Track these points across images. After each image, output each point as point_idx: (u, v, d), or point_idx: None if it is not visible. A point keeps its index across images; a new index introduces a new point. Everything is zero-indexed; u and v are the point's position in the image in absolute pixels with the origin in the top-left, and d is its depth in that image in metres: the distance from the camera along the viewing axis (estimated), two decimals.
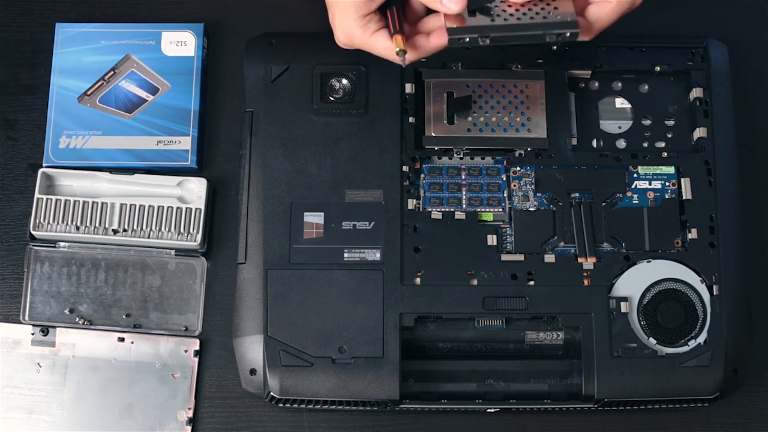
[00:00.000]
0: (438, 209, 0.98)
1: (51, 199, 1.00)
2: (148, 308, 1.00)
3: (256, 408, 0.99)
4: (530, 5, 0.89)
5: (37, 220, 0.99)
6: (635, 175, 0.99)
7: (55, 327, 0.99)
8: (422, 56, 0.92)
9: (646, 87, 1.02)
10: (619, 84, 1.02)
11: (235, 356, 0.96)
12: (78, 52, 1.04)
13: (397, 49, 0.89)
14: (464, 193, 0.99)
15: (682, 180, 0.99)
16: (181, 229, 1.00)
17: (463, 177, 0.99)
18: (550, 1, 0.91)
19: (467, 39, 0.89)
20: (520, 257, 0.96)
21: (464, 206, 0.98)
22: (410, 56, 0.91)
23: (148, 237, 0.99)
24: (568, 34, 0.89)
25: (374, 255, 0.96)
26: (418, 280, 0.95)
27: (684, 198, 0.98)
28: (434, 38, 0.91)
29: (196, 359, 0.99)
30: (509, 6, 0.89)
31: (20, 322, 0.99)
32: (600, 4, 0.92)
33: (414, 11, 0.92)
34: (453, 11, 0.88)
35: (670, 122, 1.02)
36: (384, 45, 0.91)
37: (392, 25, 0.91)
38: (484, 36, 0.89)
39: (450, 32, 0.88)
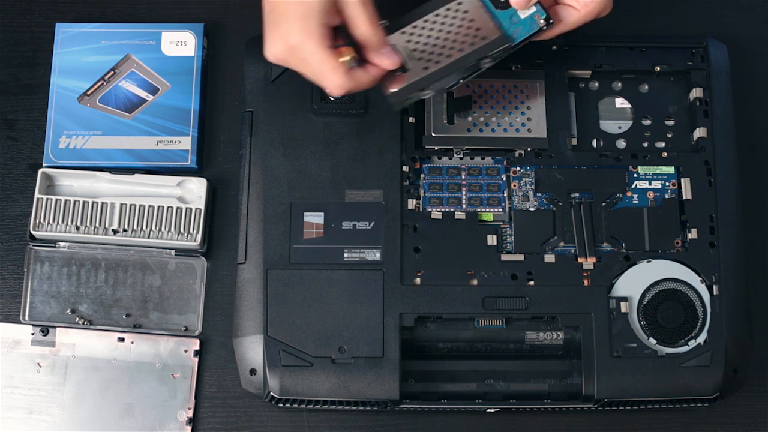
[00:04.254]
0: (438, 209, 0.98)
1: (51, 199, 1.00)
2: (148, 308, 1.00)
3: (256, 408, 0.99)
4: (455, 36, 0.91)
5: (37, 220, 0.99)
6: (635, 175, 0.99)
7: (55, 327, 0.99)
8: (355, 88, 0.91)
9: (646, 87, 1.02)
10: (619, 84, 1.02)
11: (235, 356, 0.96)
12: (78, 52, 1.04)
13: (347, 58, 0.89)
14: (464, 193, 0.99)
15: (682, 180, 0.99)
16: (181, 229, 1.00)
17: (463, 177, 0.99)
18: (470, 25, 0.92)
19: (407, 100, 0.93)
20: (520, 257, 0.96)
21: (464, 206, 0.98)
22: (349, 84, 0.90)
23: (148, 237, 0.99)
24: (500, 51, 0.92)
25: (374, 255, 0.96)
26: (418, 280, 0.95)
27: (684, 198, 0.98)
28: (371, 70, 0.91)
29: (196, 359, 0.99)
30: (433, 46, 0.91)
31: (20, 322, 0.99)
32: (567, 9, 0.93)
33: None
34: (386, 66, 0.90)
35: (670, 122, 1.02)
36: (330, 61, 0.89)
37: (340, 41, 0.90)
38: (425, 89, 0.92)
39: (391, 97, 0.92)
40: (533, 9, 0.92)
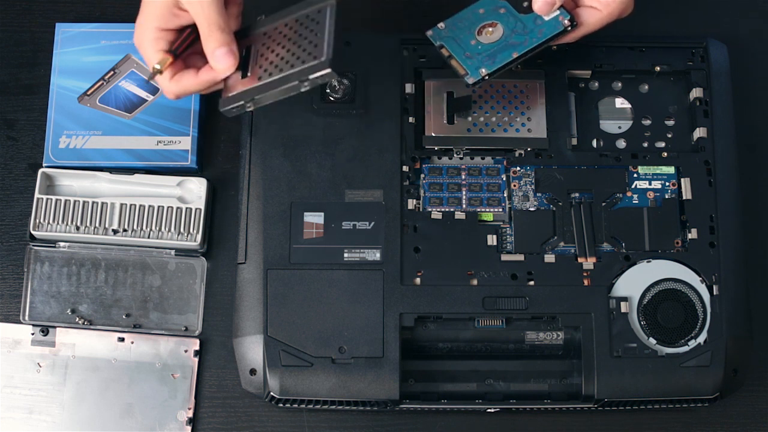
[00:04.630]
0: (438, 209, 0.98)
1: (51, 199, 1.00)
2: (148, 308, 1.00)
3: (256, 408, 0.99)
4: (294, 49, 0.89)
5: (37, 220, 0.99)
6: (635, 175, 0.99)
7: (55, 327, 0.99)
8: (183, 93, 0.92)
9: (646, 87, 1.02)
10: (619, 84, 1.02)
11: (235, 356, 0.96)
12: (78, 52, 1.04)
13: (157, 66, 0.89)
14: (464, 193, 0.99)
15: (682, 180, 0.99)
16: (181, 229, 1.00)
17: (463, 177, 0.99)
18: (312, 38, 0.89)
19: (233, 110, 0.91)
20: (520, 257, 0.96)
21: (464, 206, 0.98)
22: (174, 88, 0.91)
23: (148, 237, 0.99)
24: (320, 77, 0.88)
25: (374, 255, 0.96)
26: (418, 280, 0.95)
27: (684, 198, 0.98)
28: (202, 75, 0.91)
29: (196, 359, 0.99)
30: (276, 55, 0.90)
31: (20, 322, 0.99)
32: (589, 10, 0.93)
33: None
34: (216, 69, 0.90)
35: (670, 122, 1.02)
36: (151, 61, 0.90)
37: (176, 45, 0.90)
38: (250, 101, 0.90)
39: (220, 105, 0.90)
40: (557, 12, 0.93)
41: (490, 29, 0.95)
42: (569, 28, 0.93)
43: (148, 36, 0.90)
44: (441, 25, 0.96)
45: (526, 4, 0.94)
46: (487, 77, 0.93)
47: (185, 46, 0.91)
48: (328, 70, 0.87)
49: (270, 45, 0.91)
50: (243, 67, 0.90)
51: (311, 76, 0.87)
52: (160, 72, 0.89)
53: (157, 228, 1.00)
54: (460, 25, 0.96)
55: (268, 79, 0.89)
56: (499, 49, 0.94)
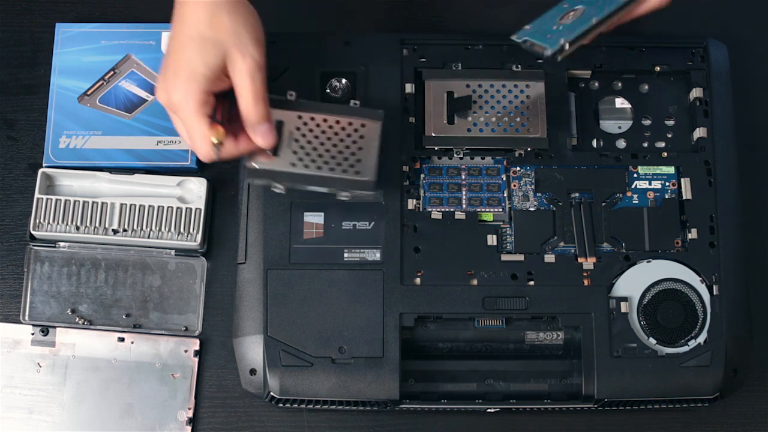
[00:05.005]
0: (438, 209, 0.98)
1: (51, 199, 1.00)
2: (148, 308, 1.00)
3: (256, 408, 0.99)
4: (335, 152, 0.92)
5: (37, 220, 0.99)
6: (635, 175, 0.99)
7: (55, 327, 0.99)
8: (224, 159, 0.92)
9: (646, 87, 1.02)
10: (619, 84, 1.02)
11: (235, 356, 0.96)
12: (78, 52, 1.04)
13: (215, 140, 0.89)
14: (464, 193, 0.99)
15: (682, 180, 0.99)
16: (181, 229, 1.00)
17: (463, 177, 0.99)
18: (355, 150, 0.92)
19: (261, 183, 0.93)
20: (520, 257, 0.96)
21: (464, 206, 0.98)
22: (214, 156, 0.90)
23: (148, 237, 0.99)
24: (363, 194, 0.92)
25: (374, 255, 0.96)
26: (418, 280, 0.95)
27: (684, 198, 0.98)
28: (241, 144, 0.91)
29: (196, 359, 0.99)
30: (313, 148, 0.92)
31: (20, 322, 0.99)
32: None
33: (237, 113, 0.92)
34: (257, 143, 0.90)
35: (670, 122, 1.02)
36: (202, 131, 0.89)
37: (219, 114, 0.90)
38: (281, 183, 0.92)
39: (248, 174, 0.92)
40: None
41: (572, 13, 0.93)
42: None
43: (195, 98, 0.88)
44: (527, 27, 0.94)
45: None
46: (567, 46, 0.90)
47: (223, 116, 0.91)
48: (372, 192, 0.92)
49: (306, 134, 0.92)
50: None
51: (354, 191, 0.92)
52: (221, 145, 0.89)
53: (157, 228, 1.00)
54: (545, 19, 0.94)
55: (304, 171, 0.91)
56: (579, 22, 0.91)
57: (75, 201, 1.00)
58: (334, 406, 0.95)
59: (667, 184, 0.99)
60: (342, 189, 0.92)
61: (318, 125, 0.93)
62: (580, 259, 0.96)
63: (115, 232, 0.99)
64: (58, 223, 0.99)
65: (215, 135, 0.88)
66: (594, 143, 1.01)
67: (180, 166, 1.01)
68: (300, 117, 0.93)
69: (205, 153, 0.89)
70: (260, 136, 0.90)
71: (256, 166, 0.92)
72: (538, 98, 1.00)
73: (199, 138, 0.88)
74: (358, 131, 0.93)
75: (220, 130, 0.89)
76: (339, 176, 0.92)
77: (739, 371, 0.95)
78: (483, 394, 0.95)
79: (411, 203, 0.97)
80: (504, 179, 0.99)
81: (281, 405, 0.95)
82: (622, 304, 0.95)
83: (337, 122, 0.93)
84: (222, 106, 0.91)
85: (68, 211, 1.00)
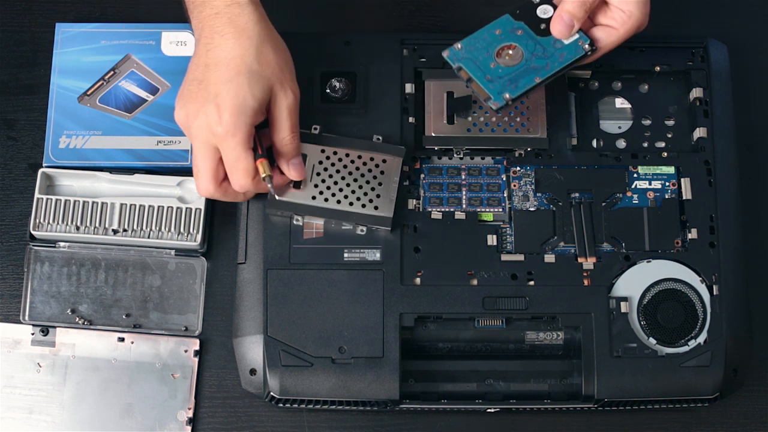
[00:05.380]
0: (438, 209, 0.98)
1: (51, 199, 1.00)
2: (148, 308, 1.00)
3: (256, 408, 0.99)
4: (355, 187, 0.94)
5: (37, 220, 0.99)
6: (635, 175, 0.99)
7: (55, 327, 0.99)
8: (255, 193, 0.94)
9: (646, 87, 1.02)
10: (619, 84, 1.02)
11: (235, 356, 0.96)
12: (78, 52, 1.04)
13: (264, 175, 0.90)
14: (464, 193, 0.99)
15: (682, 180, 0.99)
16: (181, 229, 1.00)
17: (463, 177, 0.99)
18: (375, 186, 0.94)
19: (281, 214, 0.94)
20: (520, 257, 0.96)
21: (464, 206, 0.98)
22: (252, 189, 0.92)
23: (148, 237, 0.99)
24: (380, 230, 0.94)
25: (374, 255, 0.96)
26: (418, 280, 0.95)
27: (684, 198, 0.98)
28: (275, 178, 0.92)
29: (196, 359, 0.99)
30: (334, 182, 0.94)
31: (20, 322, 0.99)
32: (606, 30, 0.92)
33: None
34: (290, 176, 0.92)
35: (670, 122, 1.02)
36: (248, 164, 0.89)
37: (260, 148, 0.91)
38: (298, 216, 0.94)
39: (269, 205, 0.93)
40: (576, 36, 0.92)
41: (510, 51, 0.94)
42: (589, 53, 0.93)
43: (244, 131, 0.88)
44: (457, 45, 0.95)
45: (543, 26, 0.94)
46: (510, 102, 0.93)
47: (263, 148, 0.92)
48: (389, 229, 0.94)
49: (328, 167, 0.94)
50: None
51: (371, 226, 0.94)
52: (272, 177, 0.90)
53: (157, 228, 1.00)
54: (478, 46, 0.94)
55: (324, 204, 0.93)
56: (520, 73, 0.93)
57: (75, 201, 1.00)
58: (334, 406, 0.95)
59: (667, 184, 0.99)
60: (360, 223, 0.94)
61: (340, 159, 0.95)
62: (580, 259, 0.96)
63: (115, 232, 0.99)
64: (58, 223, 0.99)
65: (264, 169, 0.90)
66: (594, 143, 1.01)
67: (180, 166, 1.01)
68: (323, 151, 0.95)
69: (246, 185, 0.90)
70: (293, 170, 0.92)
71: (278, 198, 0.93)
72: (538, 98, 1.00)
73: (241, 170, 0.90)
74: (379, 166, 0.95)
75: (265, 163, 0.90)
76: (358, 211, 0.93)
77: (739, 371, 0.95)
78: (483, 394, 0.95)
79: (411, 203, 0.97)
80: (504, 179, 0.99)
81: (281, 405, 0.95)
82: (622, 304, 0.95)
83: (359, 157, 0.95)
84: (259, 139, 0.92)
85: (68, 211, 1.00)
